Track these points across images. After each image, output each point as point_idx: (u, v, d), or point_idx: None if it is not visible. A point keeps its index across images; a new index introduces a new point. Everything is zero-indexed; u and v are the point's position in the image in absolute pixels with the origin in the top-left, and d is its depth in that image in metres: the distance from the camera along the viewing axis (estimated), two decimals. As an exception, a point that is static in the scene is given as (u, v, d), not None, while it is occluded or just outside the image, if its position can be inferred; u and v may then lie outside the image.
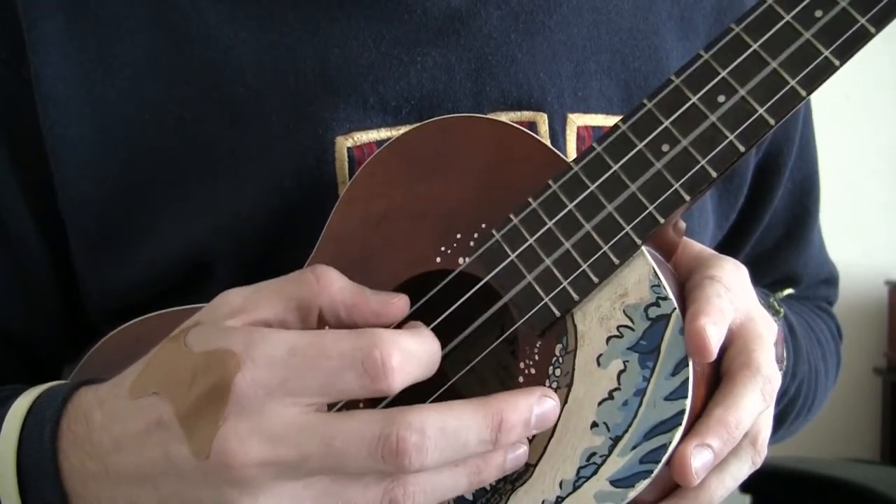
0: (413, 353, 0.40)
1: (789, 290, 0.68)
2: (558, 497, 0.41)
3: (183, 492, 0.39)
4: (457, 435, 0.38)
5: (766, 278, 0.72)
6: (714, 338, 0.40)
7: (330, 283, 0.43)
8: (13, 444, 0.43)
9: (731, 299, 0.43)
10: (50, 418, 0.43)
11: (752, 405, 0.42)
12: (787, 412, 0.67)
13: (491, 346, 0.46)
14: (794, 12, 0.41)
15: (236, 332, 0.40)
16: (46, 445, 0.42)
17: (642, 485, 0.40)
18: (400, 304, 0.44)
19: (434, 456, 0.38)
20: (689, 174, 0.42)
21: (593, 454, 0.41)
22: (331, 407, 0.42)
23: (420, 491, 0.39)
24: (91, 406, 0.42)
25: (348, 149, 0.52)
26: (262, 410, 0.38)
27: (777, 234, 0.72)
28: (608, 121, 0.56)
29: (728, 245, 0.68)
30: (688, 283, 0.44)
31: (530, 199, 0.44)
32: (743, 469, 0.44)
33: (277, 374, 0.38)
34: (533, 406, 0.41)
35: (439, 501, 0.40)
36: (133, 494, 0.41)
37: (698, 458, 0.40)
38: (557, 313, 0.43)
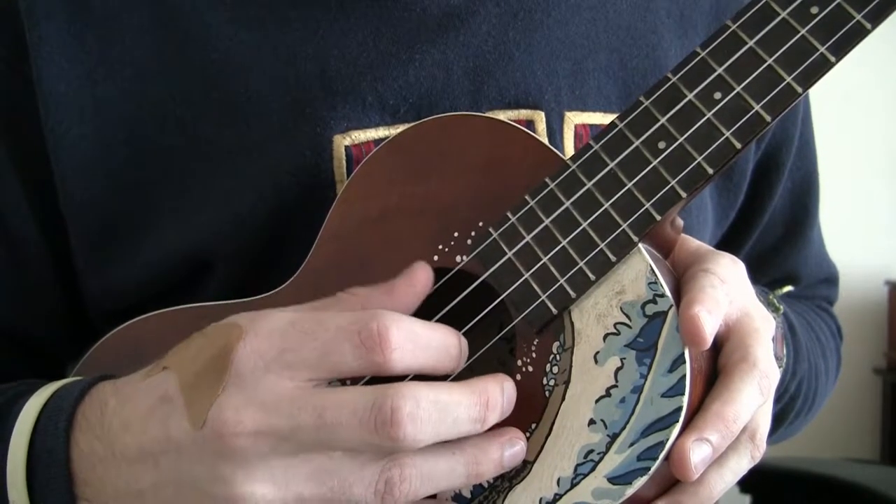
0: (417, 335, 0.40)
1: (788, 288, 0.68)
2: (556, 494, 0.41)
3: (180, 469, 0.40)
4: (448, 409, 0.39)
5: (766, 277, 0.72)
6: (708, 325, 0.40)
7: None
8: (27, 432, 0.44)
9: (727, 291, 0.43)
10: (66, 408, 0.44)
11: (750, 399, 0.42)
12: (787, 410, 0.66)
13: (489, 343, 0.46)
14: (789, 9, 0.41)
15: (246, 312, 0.42)
16: (60, 433, 0.43)
17: (640, 482, 0.40)
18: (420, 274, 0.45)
19: (428, 429, 0.38)
20: (686, 171, 0.42)
21: (591, 451, 0.41)
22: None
23: (417, 475, 0.39)
24: (107, 394, 0.44)
25: (346, 147, 0.52)
26: (258, 382, 0.39)
27: (777, 232, 0.72)
28: (606, 119, 0.56)
29: (728, 243, 0.68)
30: (683, 277, 0.44)
31: (527, 197, 0.44)
32: (742, 463, 0.44)
33: (276, 344, 0.39)
34: (504, 388, 0.42)
35: (436, 490, 0.40)
36: (134, 475, 0.41)
37: (697, 453, 0.40)
38: (554, 311, 0.43)
